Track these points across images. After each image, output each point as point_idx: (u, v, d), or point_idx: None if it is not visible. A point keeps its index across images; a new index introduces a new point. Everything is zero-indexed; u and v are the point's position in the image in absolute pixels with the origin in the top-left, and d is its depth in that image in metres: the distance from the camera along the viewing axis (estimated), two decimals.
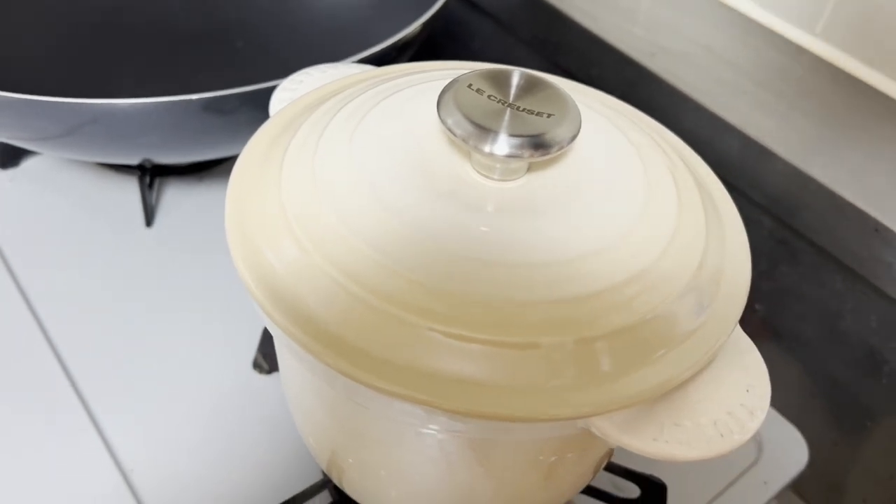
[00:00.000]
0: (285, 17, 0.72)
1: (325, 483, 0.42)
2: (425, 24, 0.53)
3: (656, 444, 0.26)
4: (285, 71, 0.41)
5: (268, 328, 0.29)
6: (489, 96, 0.28)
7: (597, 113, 0.33)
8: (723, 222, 0.31)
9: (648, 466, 0.44)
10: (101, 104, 0.45)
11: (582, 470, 0.34)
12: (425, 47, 0.58)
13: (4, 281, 0.53)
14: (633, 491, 0.43)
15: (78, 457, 0.44)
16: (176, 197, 0.60)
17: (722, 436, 0.26)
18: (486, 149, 0.27)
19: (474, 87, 0.28)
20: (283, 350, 0.32)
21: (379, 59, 0.49)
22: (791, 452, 0.48)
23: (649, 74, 0.60)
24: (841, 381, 0.56)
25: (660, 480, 0.43)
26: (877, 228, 0.49)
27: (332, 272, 0.27)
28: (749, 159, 0.55)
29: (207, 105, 0.47)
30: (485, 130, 0.27)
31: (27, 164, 0.62)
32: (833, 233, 0.52)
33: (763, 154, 0.54)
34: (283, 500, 0.41)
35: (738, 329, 0.29)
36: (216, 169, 0.62)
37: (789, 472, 0.47)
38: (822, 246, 0.53)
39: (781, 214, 0.55)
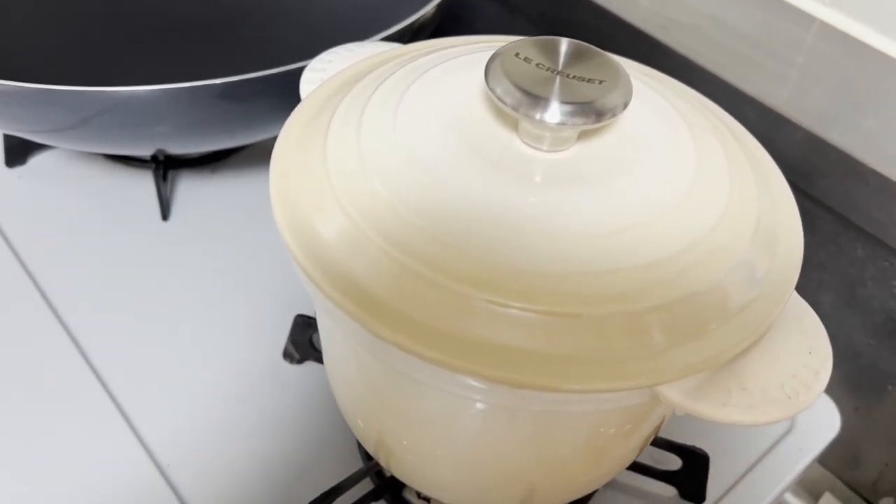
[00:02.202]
0: (294, 3, 0.71)
1: (368, 470, 0.41)
2: (440, 6, 0.53)
3: (725, 409, 0.25)
4: (295, 57, 0.40)
5: (315, 303, 0.29)
6: (538, 64, 0.28)
7: (641, 83, 0.32)
8: (771, 186, 0.31)
9: (690, 438, 0.44)
10: (118, 92, 0.44)
11: (633, 444, 0.34)
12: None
13: (25, 284, 0.52)
14: (673, 463, 0.43)
15: (114, 456, 0.44)
16: (190, 189, 0.59)
17: (789, 398, 0.26)
18: (538, 116, 0.27)
19: (522, 55, 0.28)
20: (332, 327, 0.32)
21: (394, 42, 0.49)
22: (823, 420, 0.49)
23: (662, 47, 0.59)
24: (861, 347, 0.56)
25: (702, 451, 0.43)
26: None
27: (381, 242, 0.26)
28: (767, 129, 0.55)
29: (225, 91, 0.46)
30: (535, 98, 0.27)
31: (35, 161, 0.61)
32: (853, 200, 0.52)
33: (780, 123, 0.54)
34: (323, 489, 0.41)
35: (794, 293, 0.29)
36: (229, 160, 0.62)
37: (823, 439, 0.47)
38: (841, 213, 0.53)
39: (800, 183, 0.54)
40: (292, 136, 0.31)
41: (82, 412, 0.46)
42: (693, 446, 0.44)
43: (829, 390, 0.51)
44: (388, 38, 0.49)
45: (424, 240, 0.26)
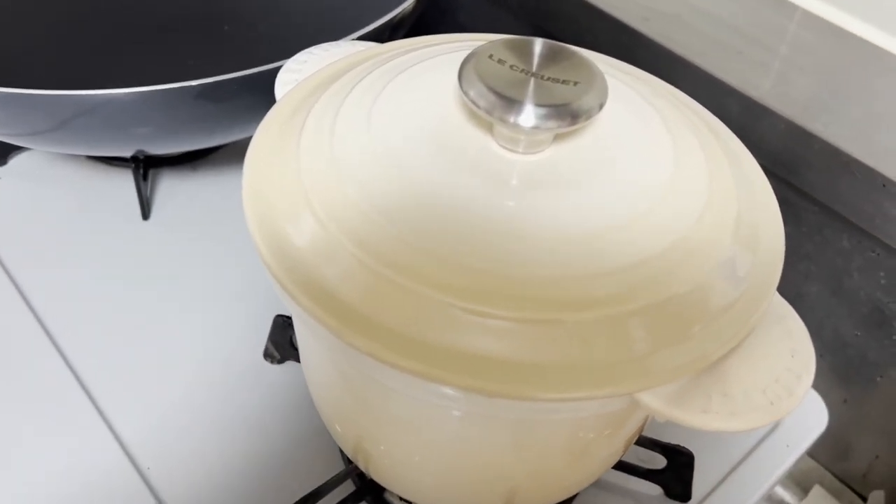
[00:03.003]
0: None
1: (349, 472, 0.41)
2: (419, 0, 0.52)
3: (707, 416, 0.25)
4: (276, 54, 0.40)
5: (289, 308, 0.28)
6: (511, 66, 0.27)
7: (616, 80, 0.32)
8: (751, 183, 0.31)
9: (674, 436, 0.44)
10: (94, 95, 0.44)
11: (616, 446, 0.33)
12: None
13: (3, 283, 0.52)
14: (658, 462, 0.43)
15: (93, 459, 0.43)
16: (171, 188, 0.59)
17: (772, 403, 0.25)
18: (512, 120, 0.26)
19: (496, 57, 0.27)
20: (306, 333, 0.31)
21: (374, 37, 0.48)
22: (810, 414, 0.48)
23: (644, 39, 0.59)
24: (849, 339, 0.56)
25: (687, 450, 0.43)
26: (884, 184, 0.48)
27: (354, 248, 0.26)
28: (749, 120, 0.55)
29: (203, 92, 0.45)
30: (509, 101, 0.26)
31: (15, 162, 0.60)
32: (838, 190, 0.51)
33: (763, 114, 0.54)
34: (305, 491, 0.40)
35: (776, 293, 0.28)
36: (210, 157, 0.61)
37: (810, 435, 0.47)
38: (826, 204, 0.53)
39: (784, 174, 0.54)
40: (266, 140, 0.31)
41: (61, 413, 0.45)
42: (678, 445, 0.43)
43: (817, 383, 0.51)
44: (369, 34, 0.48)
45: (398, 245, 0.26)
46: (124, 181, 0.58)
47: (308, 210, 0.27)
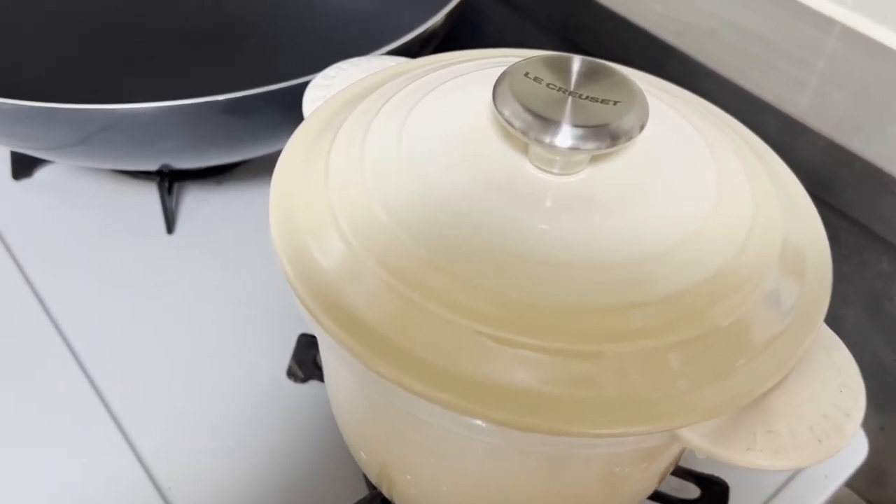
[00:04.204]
0: (299, 11, 0.70)
1: (373, 498, 0.40)
2: (449, 14, 0.51)
3: (751, 453, 0.24)
4: (303, 68, 0.39)
5: (314, 331, 0.27)
6: (548, 84, 0.26)
7: (655, 98, 0.31)
8: (796, 206, 0.30)
9: (708, 466, 0.42)
10: (119, 109, 0.43)
11: (651, 479, 0.32)
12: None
13: (26, 296, 0.51)
14: (692, 491, 0.42)
15: (114, 477, 0.43)
16: (196, 202, 0.58)
17: (819, 441, 0.24)
18: (548, 140, 0.25)
19: (531, 75, 0.27)
20: (330, 356, 0.31)
21: (403, 52, 0.47)
22: (851, 444, 0.47)
23: (677, 53, 0.58)
24: (888, 364, 0.54)
25: (721, 480, 0.42)
26: None
27: (383, 273, 0.25)
28: (787, 137, 0.53)
29: (228, 106, 0.45)
30: (546, 121, 0.25)
31: (41, 174, 0.60)
32: (878, 211, 0.50)
33: (801, 131, 0.52)
34: None
35: (824, 325, 0.27)
36: (236, 172, 0.61)
37: (850, 465, 0.46)
38: (866, 225, 0.51)
39: (822, 193, 0.53)
40: (294, 157, 0.30)
41: (81, 428, 0.45)
42: (712, 475, 0.42)
43: None
44: (398, 49, 0.47)
45: (428, 269, 0.25)
46: (149, 195, 0.58)
47: (336, 231, 0.26)
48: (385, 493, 0.36)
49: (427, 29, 0.49)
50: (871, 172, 0.49)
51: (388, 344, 0.24)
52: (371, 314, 0.25)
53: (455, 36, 0.77)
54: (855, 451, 0.47)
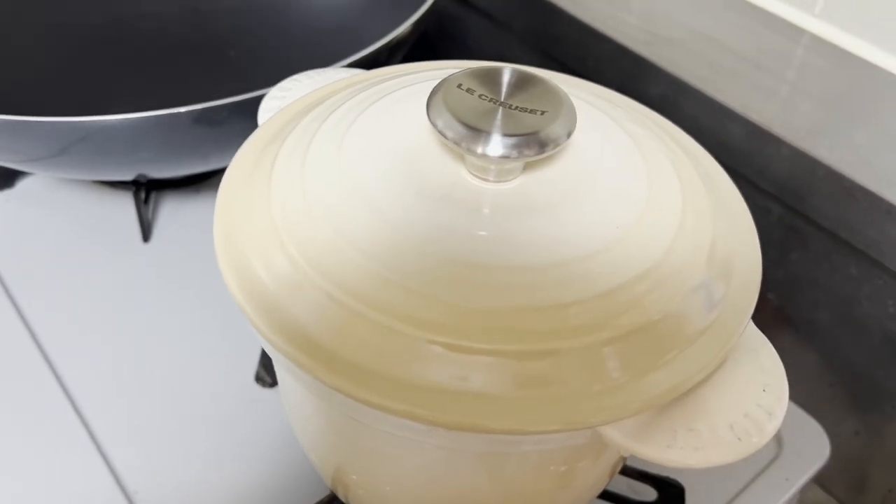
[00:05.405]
0: (277, 22, 0.71)
1: (331, 500, 0.41)
2: (416, 24, 0.52)
3: (670, 451, 0.25)
4: (279, 77, 0.40)
5: (262, 345, 0.28)
6: (480, 95, 0.27)
7: (591, 106, 0.31)
8: (730, 211, 0.30)
9: (665, 468, 0.43)
10: (91, 122, 0.44)
11: (595, 477, 0.33)
12: (419, 46, 0.57)
13: (2, 303, 0.52)
14: (649, 493, 0.42)
15: (82, 480, 0.43)
16: (172, 211, 0.59)
17: (739, 439, 0.25)
18: (479, 150, 0.26)
19: (464, 86, 0.27)
20: (280, 367, 0.31)
21: (372, 61, 0.48)
22: (812, 446, 0.47)
23: (647, 63, 0.58)
24: (860, 368, 0.55)
25: (677, 482, 0.42)
26: (888, 210, 0.47)
27: (325, 285, 0.26)
28: (754, 145, 0.54)
29: (199, 117, 0.46)
30: (477, 131, 0.26)
31: (22, 185, 0.61)
32: (844, 217, 0.50)
33: (768, 139, 0.53)
34: None
35: (751, 324, 0.28)
36: (212, 180, 0.61)
37: (811, 467, 0.46)
38: (833, 231, 0.52)
39: (790, 200, 0.53)
40: (240, 171, 0.31)
41: (51, 434, 0.45)
42: (668, 477, 0.42)
43: (828, 413, 0.50)
44: (365, 59, 0.48)
45: (368, 279, 0.26)
46: (127, 204, 0.59)
47: (278, 243, 0.27)
48: (340, 495, 0.37)
49: (393, 38, 0.50)
50: (836, 179, 0.49)
51: (327, 352, 0.25)
52: (313, 325, 0.25)
53: (435, 48, 0.78)
54: (817, 452, 0.47)
